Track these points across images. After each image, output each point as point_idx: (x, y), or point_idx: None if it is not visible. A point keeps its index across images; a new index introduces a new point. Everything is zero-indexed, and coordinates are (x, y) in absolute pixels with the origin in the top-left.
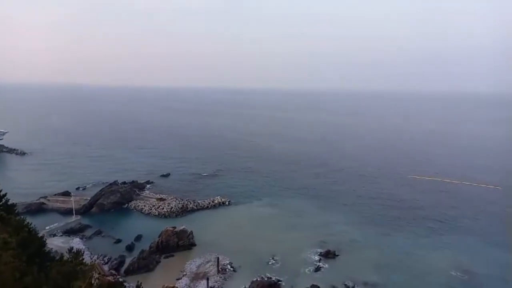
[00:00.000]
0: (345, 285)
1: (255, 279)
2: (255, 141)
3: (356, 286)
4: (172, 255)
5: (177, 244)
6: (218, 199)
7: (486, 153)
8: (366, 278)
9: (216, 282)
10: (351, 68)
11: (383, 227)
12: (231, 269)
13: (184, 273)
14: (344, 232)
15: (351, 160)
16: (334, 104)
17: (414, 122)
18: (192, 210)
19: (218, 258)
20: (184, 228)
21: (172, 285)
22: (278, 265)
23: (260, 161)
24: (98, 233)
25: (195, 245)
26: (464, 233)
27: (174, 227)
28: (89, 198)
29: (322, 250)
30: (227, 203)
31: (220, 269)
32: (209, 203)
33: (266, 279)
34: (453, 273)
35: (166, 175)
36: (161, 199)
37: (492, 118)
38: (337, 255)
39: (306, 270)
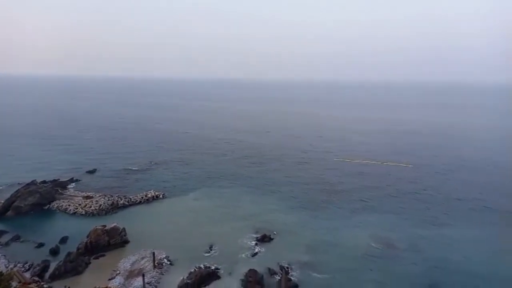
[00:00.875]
0: (281, 266)
1: (193, 270)
2: (190, 132)
3: (290, 265)
4: (103, 255)
5: (108, 243)
6: (151, 193)
7: (401, 135)
8: (299, 258)
9: (153, 277)
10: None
11: (313, 210)
12: (168, 263)
13: (118, 272)
14: (278, 217)
15: (283, 148)
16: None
17: (345, 110)
18: (124, 206)
19: (153, 253)
20: (115, 226)
21: (104, 286)
22: (216, 254)
23: (195, 153)
24: (16, 238)
25: (128, 242)
26: (383, 210)
27: (104, 226)
28: (2, 201)
29: (258, 236)
30: (161, 196)
31: (156, 264)
32: (142, 197)
33: (204, 268)
34: (373, 245)
35: (92, 171)
36: (88, 197)
37: (423, 103)
38: (272, 239)
39: (244, 255)
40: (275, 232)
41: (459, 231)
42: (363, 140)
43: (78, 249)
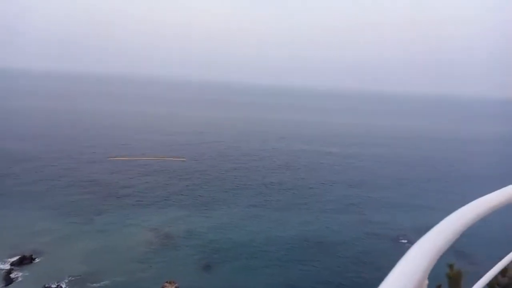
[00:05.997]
0: (47, 287)
1: None
2: None
3: (61, 283)
4: None
5: None
6: None
7: (168, 130)
8: (71, 272)
9: None
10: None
11: (84, 217)
12: None
13: None
14: (40, 232)
15: (46, 152)
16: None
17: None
18: None
19: None
20: None
21: None
22: None
23: None
24: None
25: None
26: (160, 205)
27: None
28: None
29: (14, 259)
30: None
31: None
32: None
33: None
34: (153, 240)
35: None
36: None
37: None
38: (35, 258)
39: None
40: (38, 250)
41: (226, 214)
42: (142, 137)
43: None
